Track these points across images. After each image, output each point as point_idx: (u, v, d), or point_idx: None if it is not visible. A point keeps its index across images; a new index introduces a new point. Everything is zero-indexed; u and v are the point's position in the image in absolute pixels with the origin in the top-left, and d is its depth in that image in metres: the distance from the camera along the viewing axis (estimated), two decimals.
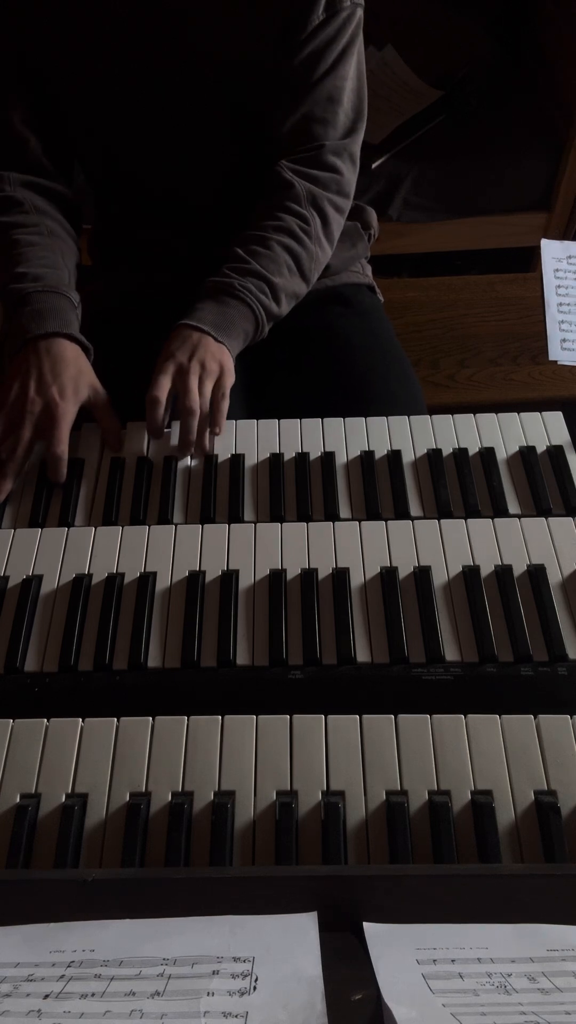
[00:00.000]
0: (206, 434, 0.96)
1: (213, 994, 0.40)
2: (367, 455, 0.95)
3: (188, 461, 0.96)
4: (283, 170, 1.06)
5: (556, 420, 0.99)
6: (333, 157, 1.06)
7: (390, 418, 1.00)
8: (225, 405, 0.97)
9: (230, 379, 0.98)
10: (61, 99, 1.06)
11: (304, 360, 1.19)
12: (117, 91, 1.04)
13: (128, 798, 0.65)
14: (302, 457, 0.95)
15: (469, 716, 0.69)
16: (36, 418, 0.93)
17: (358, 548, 0.85)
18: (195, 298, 1.02)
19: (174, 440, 0.98)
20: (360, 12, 1.03)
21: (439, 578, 0.82)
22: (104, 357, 1.06)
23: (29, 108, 1.05)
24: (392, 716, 0.69)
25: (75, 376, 0.96)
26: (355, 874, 0.57)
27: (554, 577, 0.82)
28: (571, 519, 0.87)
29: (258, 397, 1.14)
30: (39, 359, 0.95)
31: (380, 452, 0.96)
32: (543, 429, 0.98)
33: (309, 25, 0.99)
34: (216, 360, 0.97)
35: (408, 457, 0.95)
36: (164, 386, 0.95)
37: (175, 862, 0.62)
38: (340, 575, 0.82)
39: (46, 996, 0.41)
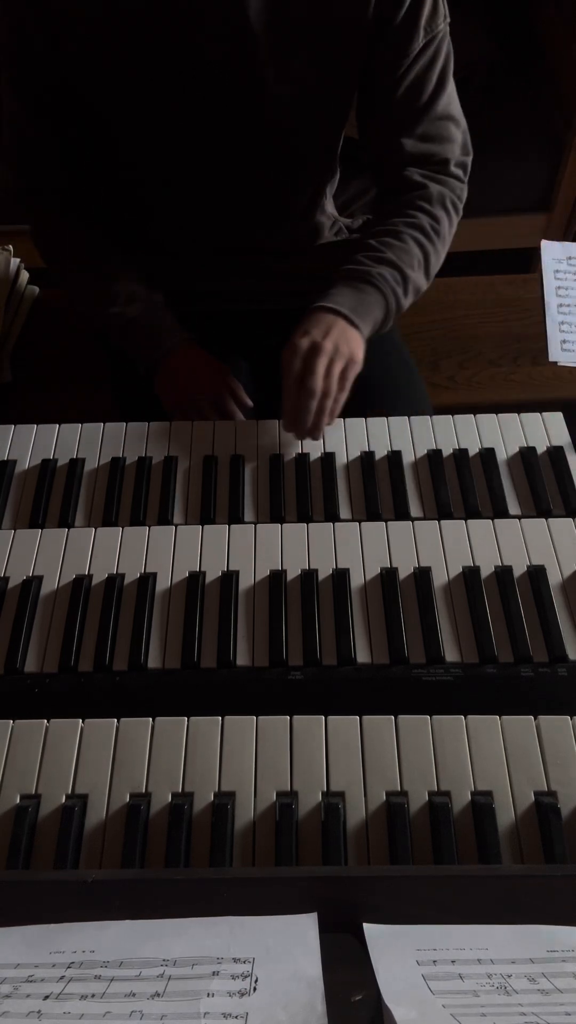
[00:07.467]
0: (324, 418, 0.93)
1: (213, 995, 0.40)
2: (367, 455, 0.95)
3: (188, 462, 0.96)
4: (412, 174, 1.06)
5: (556, 421, 0.99)
6: (457, 169, 1.08)
7: (390, 418, 1.00)
8: (344, 397, 0.95)
9: (356, 369, 0.96)
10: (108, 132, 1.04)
11: None
12: (165, 137, 1.03)
13: (128, 799, 0.65)
14: (302, 457, 0.95)
15: (469, 717, 0.69)
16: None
17: (358, 549, 0.85)
18: (327, 284, 1.02)
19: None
20: (448, 29, 1.02)
21: (439, 579, 0.82)
22: (122, 359, 1.09)
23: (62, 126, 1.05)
24: (392, 717, 0.69)
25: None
26: (355, 875, 0.57)
27: (554, 578, 0.82)
28: (571, 520, 0.87)
29: (274, 394, 1.15)
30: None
31: (380, 453, 0.96)
32: (543, 430, 0.98)
33: (411, 54, 0.98)
34: (348, 346, 0.95)
35: (408, 458, 0.95)
36: (298, 371, 0.93)
37: (175, 863, 0.62)
38: (340, 576, 0.82)
39: (46, 997, 0.41)
